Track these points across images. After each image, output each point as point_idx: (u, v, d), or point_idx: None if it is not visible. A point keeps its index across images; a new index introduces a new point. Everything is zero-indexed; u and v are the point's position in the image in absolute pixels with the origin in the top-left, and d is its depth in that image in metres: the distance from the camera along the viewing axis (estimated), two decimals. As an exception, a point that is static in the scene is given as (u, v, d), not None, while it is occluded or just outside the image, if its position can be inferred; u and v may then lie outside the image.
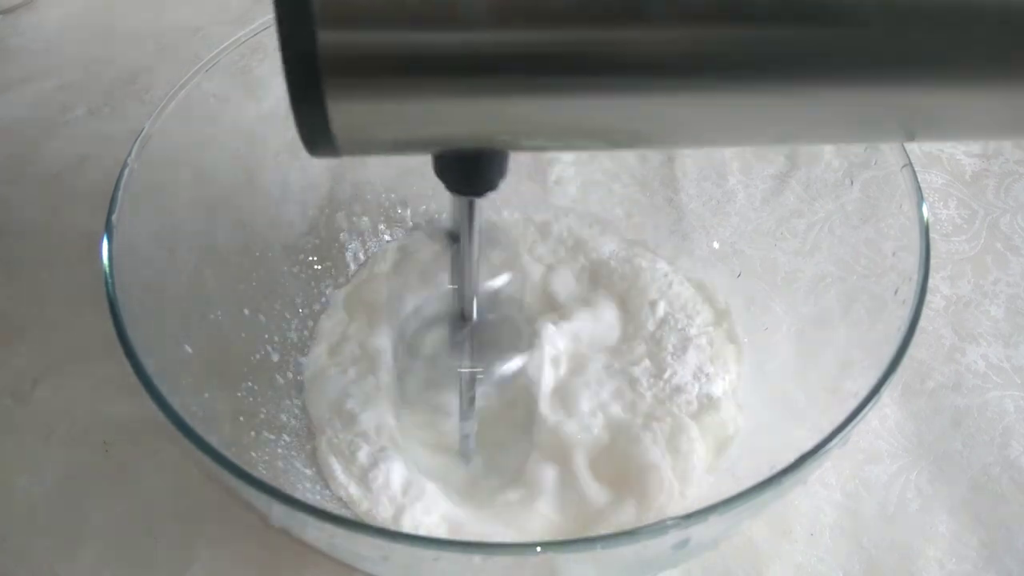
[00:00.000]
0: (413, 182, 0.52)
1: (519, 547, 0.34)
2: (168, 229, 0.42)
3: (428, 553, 0.30)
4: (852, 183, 0.43)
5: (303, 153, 0.49)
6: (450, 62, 0.22)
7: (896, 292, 0.37)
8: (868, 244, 0.42)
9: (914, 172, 0.38)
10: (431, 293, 0.40)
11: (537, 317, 0.46)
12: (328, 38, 0.21)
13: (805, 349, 0.44)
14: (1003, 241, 0.53)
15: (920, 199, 0.37)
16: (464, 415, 0.40)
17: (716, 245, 0.50)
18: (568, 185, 0.53)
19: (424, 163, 0.54)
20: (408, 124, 0.24)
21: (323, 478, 0.42)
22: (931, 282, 0.35)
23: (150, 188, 0.39)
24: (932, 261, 0.35)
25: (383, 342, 0.46)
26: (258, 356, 0.45)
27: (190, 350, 0.40)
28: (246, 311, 0.45)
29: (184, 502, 0.44)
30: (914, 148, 0.57)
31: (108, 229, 0.36)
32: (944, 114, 0.24)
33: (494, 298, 0.38)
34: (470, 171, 0.28)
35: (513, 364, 0.39)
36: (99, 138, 0.59)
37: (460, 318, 0.37)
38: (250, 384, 0.43)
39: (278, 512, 0.33)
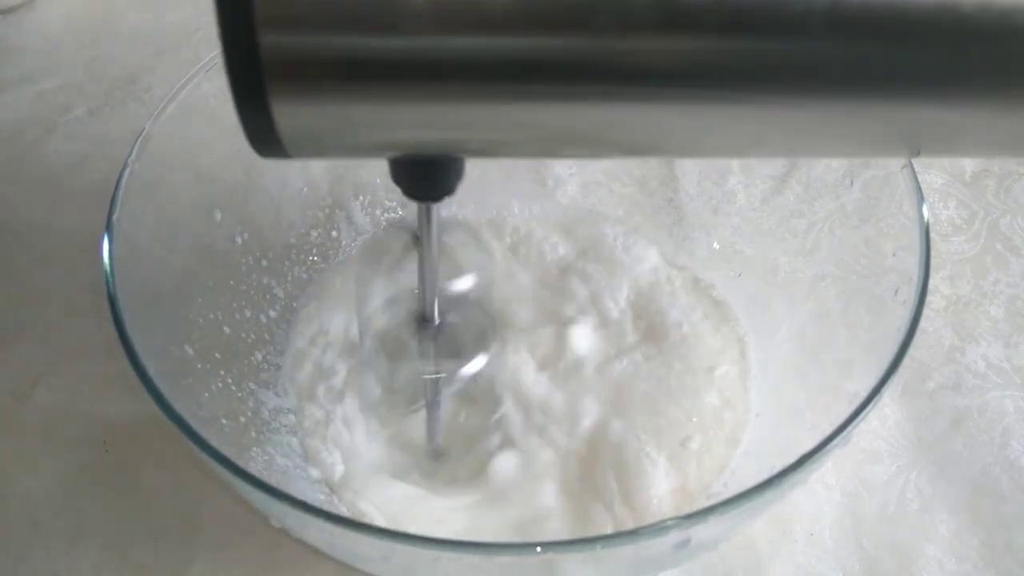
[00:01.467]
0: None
1: (519, 547, 0.34)
2: (168, 229, 0.42)
3: (428, 553, 0.30)
4: (852, 183, 0.43)
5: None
6: (394, 68, 0.21)
7: (896, 292, 0.37)
8: (868, 244, 0.42)
9: (914, 172, 0.38)
10: (398, 290, 0.40)
11: (500, 318, 0.46)
12: (270, 41, 0.20)
13: (805, 349, 0.44)
14: (1003, 242, 0.53)
15: (920, 199, 0.37)
16: (429, 418, 0.41)
17: (716, 245, 0.50)
18: (568, 185, 0.53)
19: (424, 163, 0.54)
20: (354, 129, 0.24)
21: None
22: (931, 282, 0.35)
23: (150, 188, 0.39)
24: (932, 261, 0.35)
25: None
26: (259, 356, 0.45)
27: (190, 350, 0.40)
28: (247, 311, 0.45)
29: (184, 502, 0.44)
30: (914, 148, 0.57)
31: (108, 229, 0.36)
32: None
33: (460, 300, 0.38)
34: (424, 177, 0.28)
35: (475, 366, 0.39)
36: (99, 138, 0.59)
37: (423, 320, 0.37)
38: (251, 385, 0.43)
39: (278, 512, 0.33)
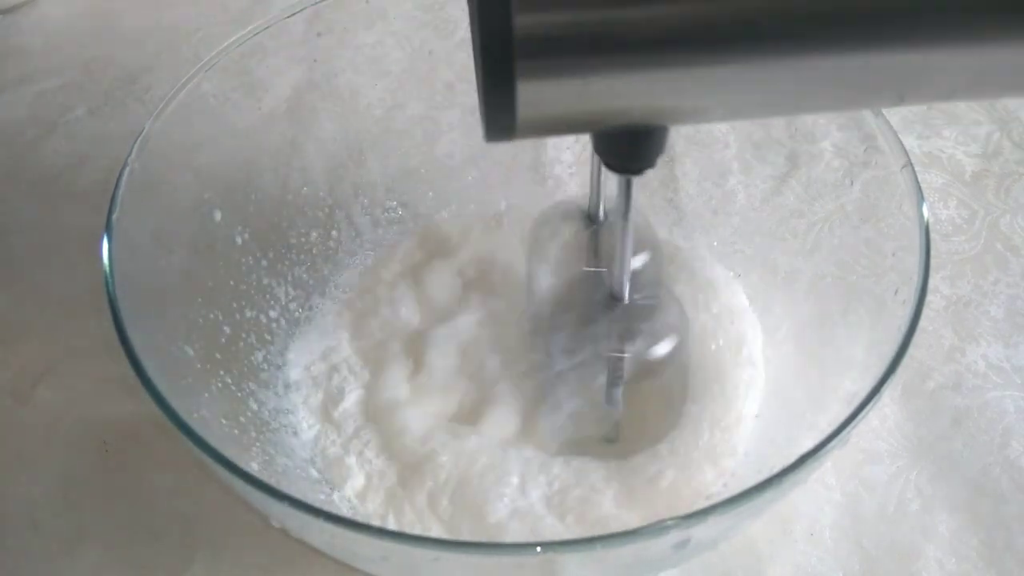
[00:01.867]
0: (413, 183, 0.52)
1: (519, 547, 0.34)
2: (168, 229, 0.42)
3: (428, 553, 0.30)
4: (852, 183, 0.43)
5: (303, 153, 0.50)
6: (638, 37, 0.23)
7: (896, 292, 0.37)
8: (868, 244, 0.42)
9: (914, 172, 0.38)
10: (567, 276, 0.40)
11: (679, 296, 0.45)
12: (524, 20, 0.22)
13: (805, 349, 0.44)
14: (1003, 241, 0.53)
15: (920, 199, 0.37)
16: (610, 399, 0.40)
17: (716, 245, 0.50)
18: (568, 185, 0.53)
19: (422, 164, 0.54)
20: (588, 103, 0.25)
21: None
22: (931, 282, 0.35)
23: (150, 188, 0.39)
24: (932, 261, 0.35)
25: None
26: (259, 356, 0.45)
27: (190, 350, 0.40)
28: (247, 311, 0.45)
29: (184, 502, 0.44)
30: (914, 148, 0.57)
31: (108, 229, 0.36)
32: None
33: (634, 279, 0.38)
34: (632, 149, 0.29)
35: (664, 346, 0.39)
36: (99, 138, 0.60)
37: (607, 299, 0.37)
38: (251, 385, 0.43)
39: (278, 512, 0.33)
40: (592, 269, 0.38)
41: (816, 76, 0.24)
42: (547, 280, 0.42)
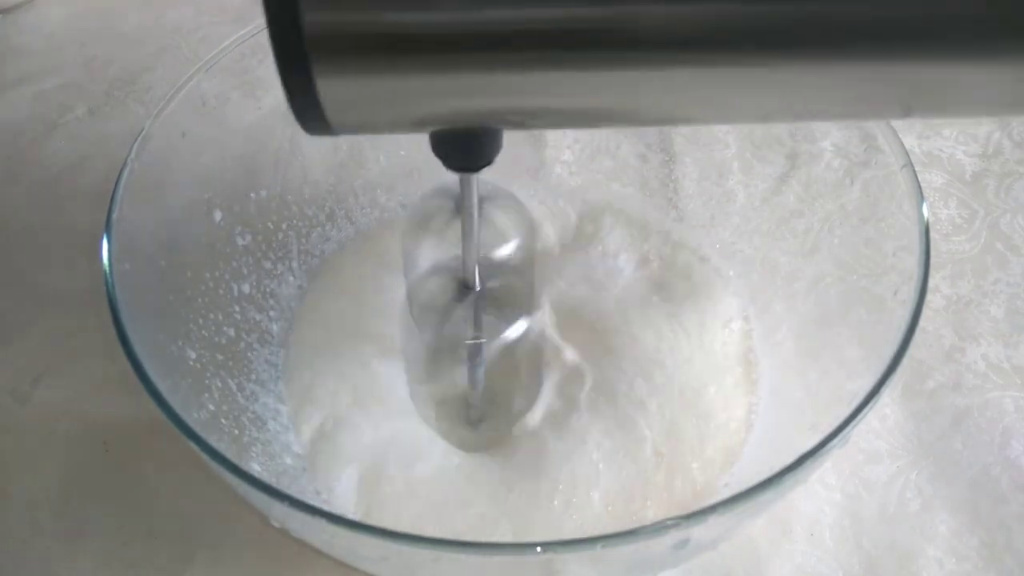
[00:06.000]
0: (413, 184, 0.52)
1: (519, 547, 0.34)
2: (168, 229, 0.42)
3: (428, 553, 0.30)
4: (852, 183, 0.43)
5: (303, 153, 0.50)
6: (435, 39, 0.22)
7: (896, 292, 0.37)
8: (868, 244, 0.42)
9: (914, 172, 0.38)
10: (444, 257, 0.40)
11: (544, 283, 0.46)
12: (313, 17, 0.21)
13: (805, 349, 0.44)
14: (1003, 241, 0.53)
15: (920, 199, 0.37)
16: (471, 383, 0.41)
17: (716, 245, 0.50)
18: (568, 184, 0.53)
19: (423, 164, 0.54)
20: (396, 102, 0.24)
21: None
22: (931, 282, 0.35)
23: (150, 188, 0.39)
24: (932, 261, 0.35)
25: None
26: (260, 357, 0.45)
27: (190, 351, 0.40)
28: (248, 312, 0.45)
29: (184, 502, 0.44)
30: (914, 148, 0.57)
31: (108, 229, 0.36)
32: (942, 88, 0.24)
33: (502, 265, 0.38)
34: (465, 148, 0.29)
35: (516, 330, 0.39)
36: (99, 138, 0.60)
37: (464, 287, 0.38)
38: (252, 385, 0.43)
39: (278, 512, 0.33)
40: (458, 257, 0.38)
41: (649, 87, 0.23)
42: (420, 266, 0.42)
